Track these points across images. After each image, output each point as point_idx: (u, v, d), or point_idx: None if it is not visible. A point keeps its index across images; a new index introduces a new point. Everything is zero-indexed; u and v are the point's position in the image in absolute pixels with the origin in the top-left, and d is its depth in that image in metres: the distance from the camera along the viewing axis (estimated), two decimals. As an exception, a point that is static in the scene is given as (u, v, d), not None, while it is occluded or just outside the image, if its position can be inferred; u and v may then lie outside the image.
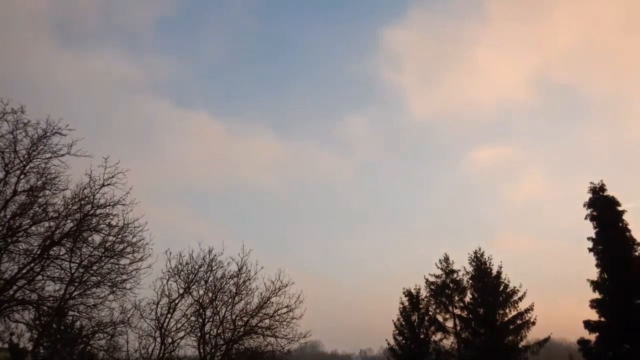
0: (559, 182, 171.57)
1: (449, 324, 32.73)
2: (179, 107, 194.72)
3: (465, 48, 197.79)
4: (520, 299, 31.86)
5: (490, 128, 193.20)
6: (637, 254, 26.89)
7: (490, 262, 33.18)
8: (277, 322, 17.05)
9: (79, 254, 13.97)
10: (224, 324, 16.99)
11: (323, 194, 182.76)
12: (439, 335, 32.84)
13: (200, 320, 16.68)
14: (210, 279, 16.92)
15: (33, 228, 13.58)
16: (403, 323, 33.44)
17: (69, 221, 13.90)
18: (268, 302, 17.12)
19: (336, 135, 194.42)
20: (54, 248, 13.74)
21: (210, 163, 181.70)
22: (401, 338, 33.23)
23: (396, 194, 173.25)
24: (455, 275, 33.74)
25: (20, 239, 13.46)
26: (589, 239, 28.08)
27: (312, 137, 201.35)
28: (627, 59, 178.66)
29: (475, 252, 33.68)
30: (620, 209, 27.95)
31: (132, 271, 14.60)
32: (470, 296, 32.98)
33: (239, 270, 17.11)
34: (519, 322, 31.44)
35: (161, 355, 15.77)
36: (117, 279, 14.52)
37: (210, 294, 16.92)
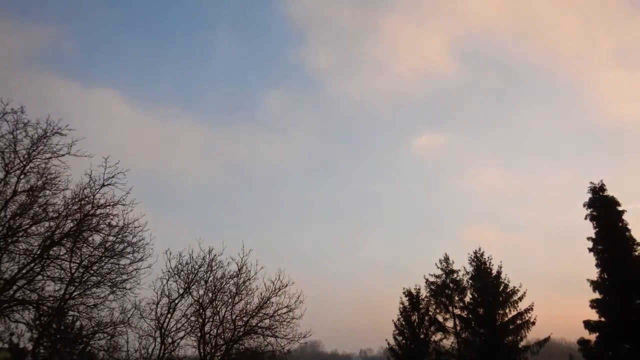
0: (509, 169, 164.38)
1: (449, 324, 32.75)
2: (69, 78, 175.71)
3: (377, 16, 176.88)
4: (520, 299, 31.85)
5: (426, 110, 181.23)
6: (637, 254, 26.87)
7: (490, 262, 33.20)
8: (277, 322, 17.08)
9: (79, 254, 13.98)
10: (224, 324, 17.00)
11: (263, 183, 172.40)
12: (439, 335, 32.88)
13: (200, 320, 16.69)
14: (210, 279, 16.96)
15: (33, 228, 13.59)
16: (403, 323, 33.43)
17: (69, 221, 13.92)
18: (268, 302, 17.16)
19: (260, 117, 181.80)
20: (54, 248, 13.75)
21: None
22: (401, 338, 33.22)
23: (346, 185, 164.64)
24: (455, 275, 33.74)
25: (20, 239, 13.46)
26: (588, 239, 28.06)
27: (235, 118, 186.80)
28: (557, 30, 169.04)
29: (475, 252, 33.68)
30: (620, 209, 27.96)
31: (132, 271, 14.65)
32: (470, 296, 32.96)
33: (239, 270, 17.15)
34: (518, 322, 31.42)
35: (161, 355, 15.77)
36: (117, 279, 14.55)
37: (210, 294, 16.93)
